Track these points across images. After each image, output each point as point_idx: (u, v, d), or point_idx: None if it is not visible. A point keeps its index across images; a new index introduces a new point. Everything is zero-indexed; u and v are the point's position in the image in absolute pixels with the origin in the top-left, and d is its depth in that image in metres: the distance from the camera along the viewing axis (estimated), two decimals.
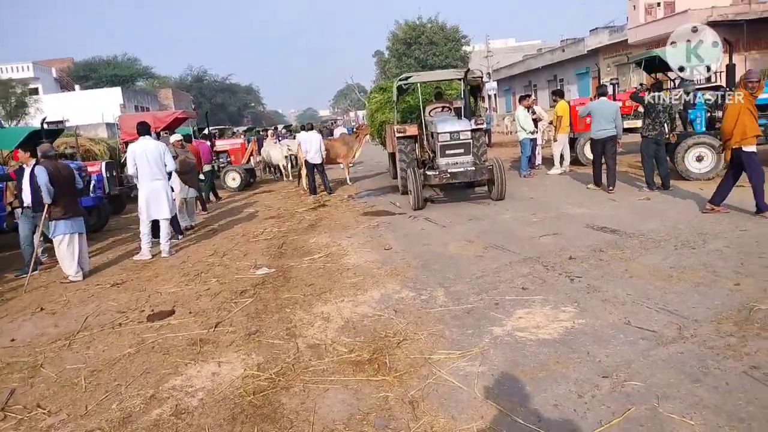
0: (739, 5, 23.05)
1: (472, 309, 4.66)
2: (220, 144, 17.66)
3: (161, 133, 12.14)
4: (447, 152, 9.76)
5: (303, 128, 14.77)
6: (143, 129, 8.21)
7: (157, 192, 8.10)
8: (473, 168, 9.54)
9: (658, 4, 28.52)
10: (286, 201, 13.32)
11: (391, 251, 7.08)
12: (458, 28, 44.12)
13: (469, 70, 10.47)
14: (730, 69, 10.87)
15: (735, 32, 18.54)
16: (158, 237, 8.26)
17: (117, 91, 41.25)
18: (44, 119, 11.19)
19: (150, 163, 8.02)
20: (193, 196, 10.37)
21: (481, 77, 11.63)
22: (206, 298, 5.89)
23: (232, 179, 15.90)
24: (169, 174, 8.40)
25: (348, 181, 15.07)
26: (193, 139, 15.84)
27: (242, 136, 22.54)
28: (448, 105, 11.45)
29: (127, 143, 9.34)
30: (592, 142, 10.36)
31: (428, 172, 9.59)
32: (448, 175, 9.44)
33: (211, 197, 14.45)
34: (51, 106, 33.44)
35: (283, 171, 17.92)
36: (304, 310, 5.13)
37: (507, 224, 8.03)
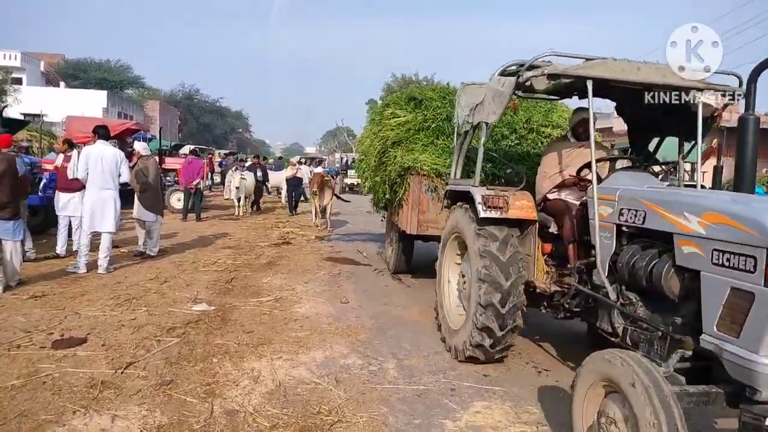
0: None
1: (425, 392, 4.05)
2: (170, 162, 17.23)
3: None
4: None
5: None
6: (103, 133, 7.59)
7: (104, 202, 7.41)
8: None
9: None
10: (249, 232, 12.63)
11: (347, 306, 6.46)
12: (455, 90, 44.87)
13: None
14: None
15: None
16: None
17: (102, 94, 40.40)
18: (3, 107, 10.48)
19: (104, 170, 7.39)
20: (150, 220, 8.71)
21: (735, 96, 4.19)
22: (128, 330, 5.15)
23: (177, 200, 15.19)
24: (122, 185, 7.75)
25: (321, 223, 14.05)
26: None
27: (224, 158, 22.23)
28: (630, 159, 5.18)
29: (71, 145, 8.55)
30: None
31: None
32: None
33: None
34: (32, 99, 32.47)
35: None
36: (233, 363, 4.45)
37: None
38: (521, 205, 4.48)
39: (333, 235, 12.72)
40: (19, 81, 37.25)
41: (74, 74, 48.75)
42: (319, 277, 8.04)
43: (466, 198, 4.81)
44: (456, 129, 5.46)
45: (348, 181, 28.52)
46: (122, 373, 4.15)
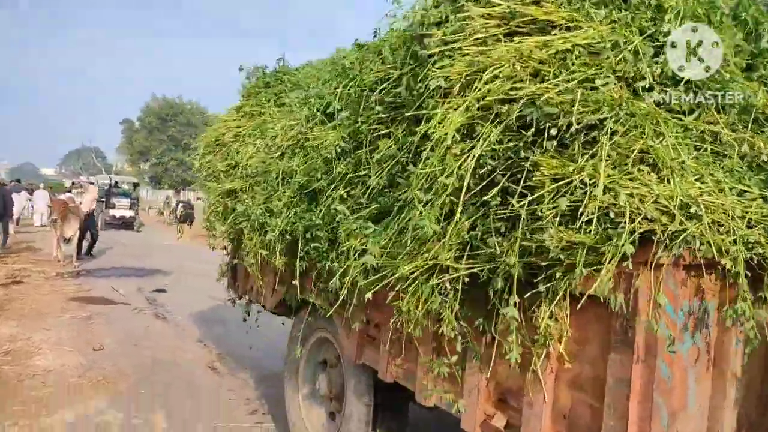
0: None
1: None
2: None
3: None
4: None
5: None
6: None
7: None
8: None
9: None
10: None
11: (102, 353, 5.68)
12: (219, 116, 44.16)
13: None
14: None
15: None
16: None
17: None
18: None
19: None
20: None
21: None
22: None
23: None
24: None
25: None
26: None
27: None
28: None
29: None
30: None
31: None
32: None
33: None
34: None
35: None
36: None
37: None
38: None
39: (79, 271, 11.12)
40: None
41: None
42: (64, 321, 6.93)
43: None
44: None
45: (115, 213, 21.42)
46: None
